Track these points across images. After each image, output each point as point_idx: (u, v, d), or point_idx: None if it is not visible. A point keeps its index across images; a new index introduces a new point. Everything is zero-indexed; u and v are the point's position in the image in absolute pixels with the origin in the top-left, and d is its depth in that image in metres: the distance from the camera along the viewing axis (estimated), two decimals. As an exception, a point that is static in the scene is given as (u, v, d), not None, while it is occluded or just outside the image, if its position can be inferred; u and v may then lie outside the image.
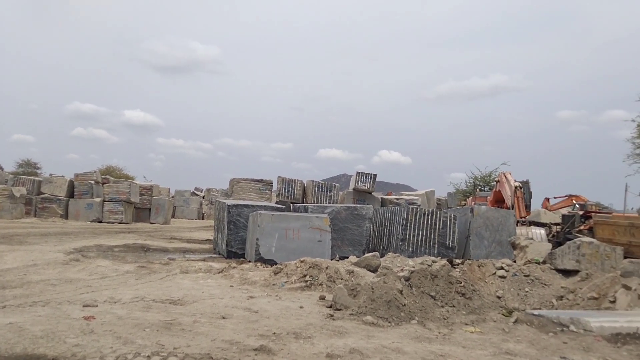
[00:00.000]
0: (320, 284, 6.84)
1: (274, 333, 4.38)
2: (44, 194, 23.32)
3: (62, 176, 24.75)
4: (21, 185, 23.29)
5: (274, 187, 17.98)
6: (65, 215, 22.81)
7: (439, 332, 4.88)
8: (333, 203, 16.14)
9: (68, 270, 7.46)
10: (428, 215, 11.23)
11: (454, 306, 5.79)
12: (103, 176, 25.72)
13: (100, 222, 22.78)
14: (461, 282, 6.27)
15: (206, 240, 15.60)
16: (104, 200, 23.47)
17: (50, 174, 25.81)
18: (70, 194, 23.52)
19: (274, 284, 7.00)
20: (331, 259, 8.81)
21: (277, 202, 15.90)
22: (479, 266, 7.53)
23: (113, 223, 22.74)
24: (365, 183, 17.77)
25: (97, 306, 4.94)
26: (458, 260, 8.31)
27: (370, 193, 18.06)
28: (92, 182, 23.68)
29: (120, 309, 4.88)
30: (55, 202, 22.94)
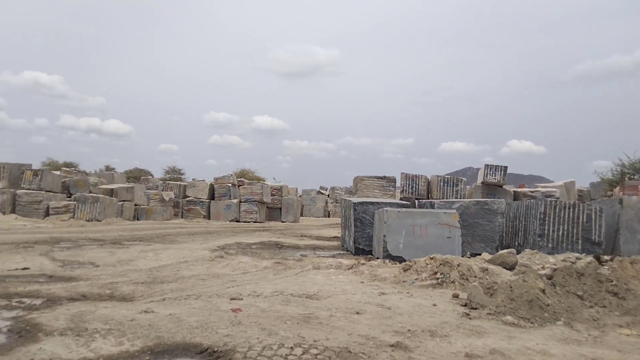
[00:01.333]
0: (452, 282, 6.66)
1: (409, 330, 4.37)
2: (189, 197, 25.71)
3: (203, 180, 27.09)
4: (169, 190, 25.94)
5: (397, 184, 17.85)
6: (208, 216, 24.92)
7: (589, 334, 4.50)
8: (460, 198, 15.59)
9: (214, 266, 8.15)
10: (569, 208, 10.35)
11: (604, 306, 5.28)
12: (238, 179, 27.62)
13: (238, 221, 24.51)
14: (612, 281, 5.69)
15: (334, 237, 16.00)
16: (240, 201, 25.19)
17: (193, 179, 28.38)
18: (211, 196, 25.66)
19: (404, 281, 6.97)
20: (462, 256, 8.54)
21: (401, 199, 15.78)
22: (631, 263, 6.76)
23: (249, 222, 24.33)
24: (495, 176, 16.89)
25: (242, 299, 5.34)
26: (606, 257, 7.55)
27: (500, 186, 17.13)
28: (230, 184, 25.56)
29: (263, 302, 5.22)
30: (199, 204, 25.17)
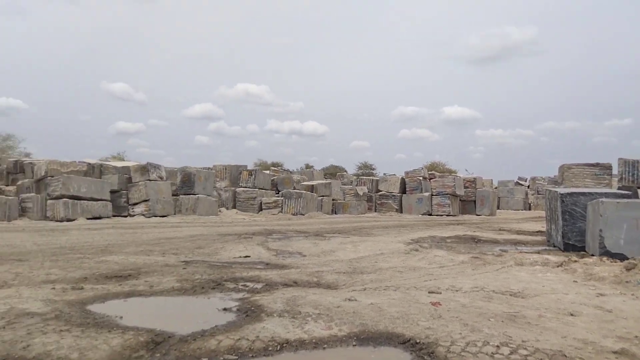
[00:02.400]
0: (695, 285, 5.59)
1: (636, 337, 3.81)
2: (381, 191, 26.36)
3: (394, 174, 27.52)
4: (362, 185, 26.95)
5: (614, 171, 15.60)
6: (400, 210, 25.23)
7: None
8: (702, 185, 12.93)
9: (410, 259, 8.24)
10: None
11: None
12: (429, 172, 27.36)
13: (430, 215, 24.29)
14: None
15: (537, 231, 14.76)
16: (432, 195, 24.91)
17: (384, 174, 29.12)
18: (403, 190, 25.90)
19: (627, 281, 6.09)
20: None
21: (619, 188, 13.76)
22: None
23: (441, 215, 23.92)
24: None
25: (440, 293, 5.29)
26: None
27: None
28: (420, 178, 25.46)
29: (463, 298, 5.09)
30: (391, 198, 25.64)
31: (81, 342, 3.39)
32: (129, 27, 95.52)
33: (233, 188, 22.75)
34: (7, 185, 17.23)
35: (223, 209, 21.35)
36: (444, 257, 8.41)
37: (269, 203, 22.00)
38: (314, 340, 3.62)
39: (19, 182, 16.92)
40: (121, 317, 4.07)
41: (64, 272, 6.12)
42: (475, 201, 26.61)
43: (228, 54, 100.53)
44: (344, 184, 27.59)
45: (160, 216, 17.86)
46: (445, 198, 24.52)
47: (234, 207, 22.20)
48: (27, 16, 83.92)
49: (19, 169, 18.14)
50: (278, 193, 23.18)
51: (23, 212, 15.40)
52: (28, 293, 4.86)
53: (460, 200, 26.03)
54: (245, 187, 22.68)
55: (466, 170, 36.99)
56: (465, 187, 26.47)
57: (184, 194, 19.66)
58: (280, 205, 21.95)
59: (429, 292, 5.31)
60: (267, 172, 25.99)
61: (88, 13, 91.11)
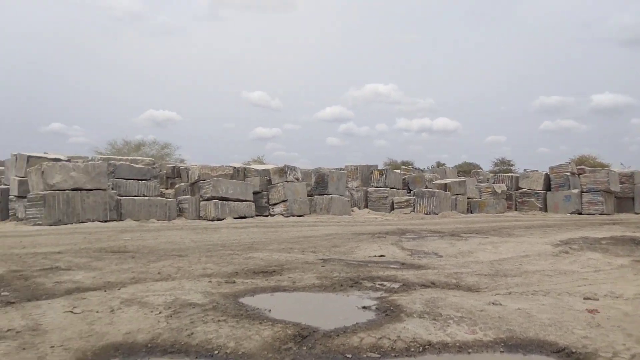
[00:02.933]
0: None
1: None
2: (522, 188, 24.69)
3: (536, 170, 25.55)
4: (501, 182, 25.48)
5: None
6: (544, 208, 23.41)
7: None
8: None
9: (559, 262, 7.60)
10: None
11: None
12: (578, 166, 24.98)
13: (580, 213, 22.19)
14: None
15: None
16: (582, 191, 22.73)
17: (525, 170, 27.17)
18: (547, 187, 24.00)
19: None
20: None
21: None
22: None
23: (593, 214, 21.72)
24: None
25: (597, 300, 4.81)
26: None
27: None
28: (568, 173, 23.38)
29: (624, 305, 4.58)
30: (533, 196, 23.90)
31: (236, 332, 3.70)
32: (265, 38, 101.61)
33: (364, 188, 23.01)
34: (166, 189, 19.38)
35: (355, 209, 21.70)
36: (600, 261, 7.62)
37: (400, 202, 21.86)
38: (457, 344, 3.53)
39: (177, 186, 18.93)
40: (269, 311, 4.36)
41: (217, 267, 6.72)
42: (633, 198, 23.70)
43: (356, 56, 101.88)
44: (480, 182, 26.35)
45: (297, 215, 18.72)
46: (598, 195, 22.18)
47: (366, 206, 22.44)
48: (178, 35, 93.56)
49: (176, 173, 20.30)
50: (410, 192, 22.92)
51: (180, 212, 17.22)
52: (189, 285, 5.42)
53: (615, 197, 23.37)
54: (377, 187, 22.79)
55: (621, 164, 32.96)
56: (621, 183, 23.69)
57: (319, 194, 20.37)
58: (412, 204, 21.68)
59: (584, 299, 4.85)
60: (398, 171, 25.82)
61: (228, 27, 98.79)
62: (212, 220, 16.50)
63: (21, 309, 4.37)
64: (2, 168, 17.08)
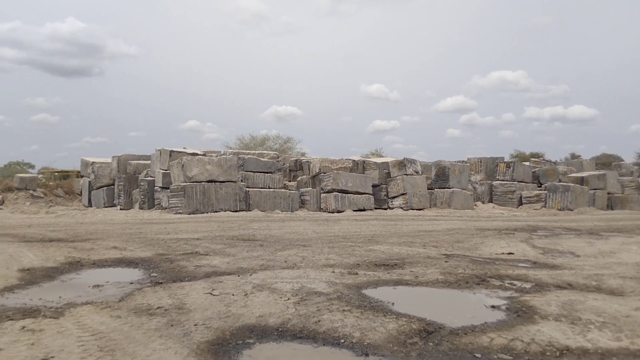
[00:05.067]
0: None
1: None
2: (676, 183, 21.79)
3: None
4: (649, 176, 22.70)
5: None
6: None
7: None
8: None
9: None
10: None
11: None
12: None
13: None
14: None
15: None
16: None
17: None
18: None
19: None
20: None
21: None
22: None
23: None
24: None
25: None
26: None
27: None
28: None
29: None
30: (691, 192, 20.98)
31: (361, 322, 3.76)
32: (384, 30, 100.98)
33: (489, 181, 21.91)
34: (289, 181, 20.20)
35: (479, 203, 20.78)
36: None
37: (530, 197, 20.46)
38: (599, 351, 3.24)
39: (299, 178, 19.64)
40: (393, 304, 4.36)
41: (340, 258, 6.88)
42: None
43: (479, 43, 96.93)
44: (622, 175, 23.72)
45: (417, 209, 18.41)
46: None
47: (490, 201, 21.37)
48: (299, 34, 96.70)
49: (298, 166, 21.07)
50: (540, 186, 21.36)
51: (302, 204, 17.86)
52: (313, 274, 5.62)
53: None
54: (503, 180, 21.58)
55: None
56: None
57: (439, 188, 19.83)
58: (543, 199, 20.19)
59: None
60: (527, 163, 24.18)
61: (347, 23, 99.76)
62: (332, 212, 16.88)
63: (168, 289, 4.86)
64: (150, 162, 19.06)
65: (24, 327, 3.52)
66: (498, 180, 21.82)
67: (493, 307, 4.37)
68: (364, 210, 17.92)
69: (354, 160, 19.91)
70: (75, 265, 6.25)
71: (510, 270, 6.17)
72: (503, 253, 7.84)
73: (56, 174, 26.95)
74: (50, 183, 22.21)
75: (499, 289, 5.13)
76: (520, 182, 21.47)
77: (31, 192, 19.75)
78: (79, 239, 8.92)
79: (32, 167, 39.40)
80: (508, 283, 5.42)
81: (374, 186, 19.08)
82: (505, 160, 22.75)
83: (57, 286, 5.12)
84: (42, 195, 19.85)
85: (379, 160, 21.71)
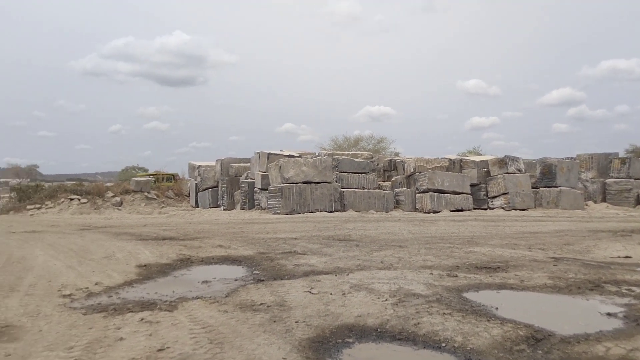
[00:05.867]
0: None
1: None
2: None
3: None
4: None
5: None
6: None
7: None
8: None
9: None
10: None
11: None
12: None
13: None
14: None
15: None
16: None
17: None
18: None
19: None
20: None
21: None
22: None
23: None
24: None
25: None
26: None
27: None
28: None
29: None
30: None
31: (463, 326, 3.64)
32: (482, 22, 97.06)
33: (601, 179, 20.19)
34: (384, 181, 20.09)
35: (590, 203, 19.23)
36: None
37: (651, 195, 18.55)
38: None
39: (393, 178, 19.46)
40: (496, 308, 4.17)
41: (437, 260, 6.72)
42: None
43: (588, 30, 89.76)
44: None
45: (520, 209, 17.46)
46: None
47: (603, 200, 19.68)
48: (393, 32, 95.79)
49: (392, 166, 20.89)
50: (663, 183, 19.27)
51: (397, 204, 17.68)
52: (411, 276, 5.54)
53: None
54: (617, 178, 19.78)
55: None
56: None
57: (545, 187, 18.65)
58: (667, 198, 18.21)
59: None
60: (647, 158, 21.91)
61: (443, 18, 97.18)
62: (428, 213, 16.52)
63: (269, 286, 5.05)
64: (249, 164, 19.93)
65: (142, 319, 3.84)
66: (612, 177, 20.04)
67: (609, 314, 4.03)
68: (461, 210, 17.35)
69: (450, 159, 19.34)
70: (185, 262, 6.70)
71: (628, 275, 5.65)
72: (619, 256, 7.19)
73: (149, 177, 29.05)
74: (161, 185, 24.01)
75: (616, 295, 4.72)
76: (638, 179, 19.55)
77: (146, 194, 21.49)
78: (188, 238, 9.56)
79: (146, 171, 42.88)
80: (625, 289, 4.97)
81: (472, 185, 18.39)
82: (620, 156, 20.84)
83: (170, 281, 5.53)
84: (155, 197, 21.53)
85: (477, 158, 20.89)
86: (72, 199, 20.34)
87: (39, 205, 20.21)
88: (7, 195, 25.24)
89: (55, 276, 5.73)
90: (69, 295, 4.76)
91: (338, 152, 23.94)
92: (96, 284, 5.29)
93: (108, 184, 23.80)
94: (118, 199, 20.65)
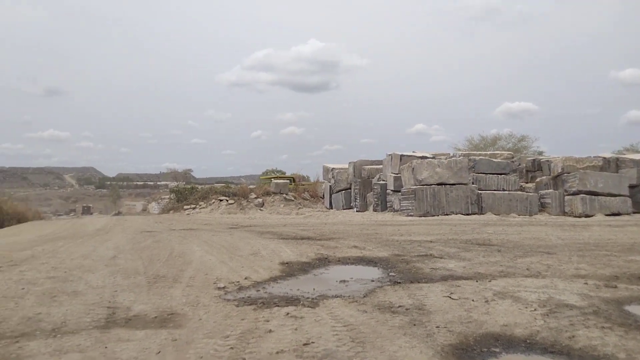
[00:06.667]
0: None
1: None
2: None
3: None
4: None
5: None
6: None
7: None
8: None
9: None
10: None
11: None
12: None
13: None
14: None
15: None
16: None
17: None
18: None
19: None
20: None
21: None
22: None
23: None
24: None
25: None
26: None
27: None
28: None
29: None
30: None
31: (627, 342, 3.27)
32: None
33: None
34: (526, 182, 18.79)
35: None
36: None
37: None
38: None
39: (538, 179, 18.12)
40: (669, 326, 3.67)
41: (592, 268, 6.10)
42: None
43: None
44: None
45: (695, 214, 15.14)
46: None
47: None
48: (535, 22, 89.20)
49: (536, 167, 19.45)
50: None
51: (542, 207, 16.40)
52: (562, 285, 5.11)
53: None
54: None
55: None
56: None
57: None
58: None
59: None
60: None
61: (594, 1, 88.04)
62: (579, 217, 15.08)
63: (407, 289, 5.02)
64: (381, 166, 20.01)
65: (288, 314, 4.07)
66: None
67: None
68: (618, 214, 15.55)
69: (604, 158, 17.45)
70: (323, 261, 6.95)
71: None
72: None
73: (272, 179, 30.36)
74: (299, 187, 25.17)
75: None
76: None
77: (284, 195, 22.71)
78: (325, 238, 9.90)
79: (284, 173, 45.28)
80: None
81: (631, 187, 16.39)
82: None
83: (310, 279, 5.78)
84: (292, 199, 22.66)
85: (636, 156, 18.55)
86: (221, 200, 22.27)
87: (194, 206, 22.45)
88: (167, 196, 28.43)
89: (210, 270, 6.32)
90: (223, 287, 5.22)
91: (474, 152, 22.96)
92: (245, 278, 5.72)
93: (251, 186, 25.61)
94: (260, 200, 22.11)
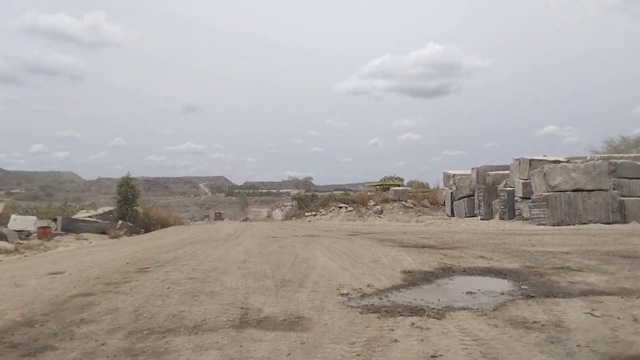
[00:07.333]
0: None
1: None
2: None
3: None
4: None
5: None
6: None
7: None
8: None
9: None
10: None
11: None
12: None
13: None
14: None
15: None
16: None
17: None
18: None
19: None
20: None
21: None
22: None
23: None
24: None
25: None
26: None
27: None
28: None
29: None
30: None
31: None
32: None
33: None
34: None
35: None
36: None
37: None
38: None
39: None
40: None
41: None
42: None
43: None
44: None
45: None
46: None
47: None
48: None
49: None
50: None
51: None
52: None
53: None
54: None
55: None
56: None
57: None
58: None
59: None
60: None
61: None
62: None
63: (541, 303, 4.68)
64: (508, 172, 18.93)
65: (413, 324, 4.01)
66: None
67: None
68: None
69: None
70: (447, 271, 6.75)
71: None
72: None
73: (378, 187, 30.00)
74: (418, 194, 24.76)
75: None
76: None
77: (403, 202, 22.47)
78: (447, 247, 9.61)
79: (402, 180, 44.80)
80: None
81: None
82: None
83: (434, 289, 5.64)
84: (412, 206, 22.33)
85: None
86: (340, 207, 22.68)
87: (314, 213, 23.14)
88: (290, 203, 29.67)
89: (333, 276, 6.47)
90: (347, 294, 5.31)
91: (615, 155, 20.77)
92: (368, 285, 5.76)
93: (369, 194, 25.71)
94: (379, 207, 22.12)
